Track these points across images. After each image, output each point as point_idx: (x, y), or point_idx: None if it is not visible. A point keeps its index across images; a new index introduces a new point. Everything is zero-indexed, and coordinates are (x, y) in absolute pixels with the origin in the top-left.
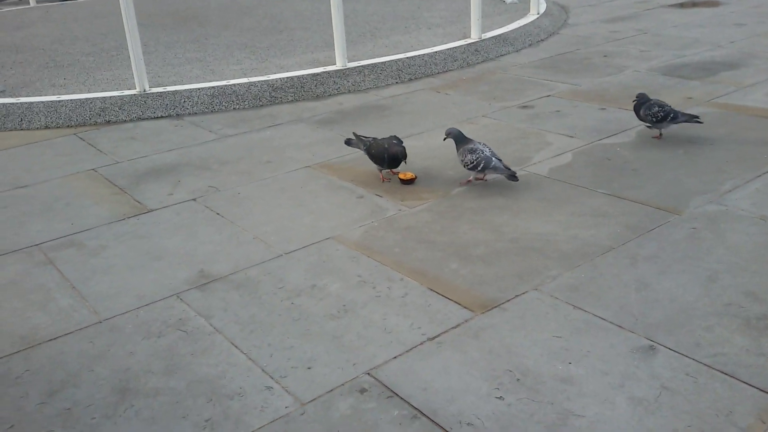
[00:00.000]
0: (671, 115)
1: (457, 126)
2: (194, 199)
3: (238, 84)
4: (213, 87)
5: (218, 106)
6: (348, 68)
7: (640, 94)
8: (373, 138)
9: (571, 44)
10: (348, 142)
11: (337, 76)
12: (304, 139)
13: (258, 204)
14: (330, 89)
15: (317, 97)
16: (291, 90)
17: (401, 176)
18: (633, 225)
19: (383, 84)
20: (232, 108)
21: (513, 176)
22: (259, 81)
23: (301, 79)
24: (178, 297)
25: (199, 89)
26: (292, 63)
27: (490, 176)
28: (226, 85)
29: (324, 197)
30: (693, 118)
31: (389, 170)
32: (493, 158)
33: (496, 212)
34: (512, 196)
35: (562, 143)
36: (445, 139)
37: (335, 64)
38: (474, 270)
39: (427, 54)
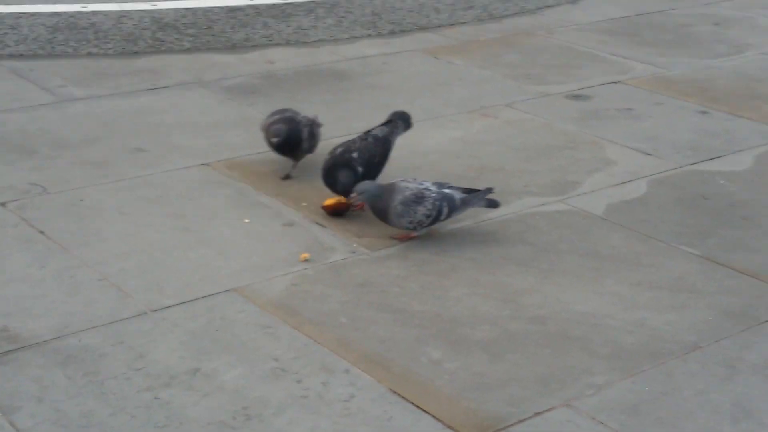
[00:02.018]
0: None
1: (467, 117)
2: (2, 204)
3: (99, 12)
4: (57, 13)
5: (62, 47)
6: (290, 3)
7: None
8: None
9: None
10: None
11: (268, 15)
12: (203, 117)
13: (113, 221)
14: (255, 35)
15: (233, 48)
16: (189, 31)
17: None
18: (737, 310)
19: (345, 35)
20: (85, 52)
21: (493, 202)
22: (136, 11)
23: (208, 13)
24: None
25: (32, 15)
26: None
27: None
28: (79, 12)
29: (227, 218)
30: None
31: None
32: (448, 190)
33: (514, 270)
34: (542, 246)
35: (633, 163)
36: (352, 208)
37: None
38: (470, 365)
39: None
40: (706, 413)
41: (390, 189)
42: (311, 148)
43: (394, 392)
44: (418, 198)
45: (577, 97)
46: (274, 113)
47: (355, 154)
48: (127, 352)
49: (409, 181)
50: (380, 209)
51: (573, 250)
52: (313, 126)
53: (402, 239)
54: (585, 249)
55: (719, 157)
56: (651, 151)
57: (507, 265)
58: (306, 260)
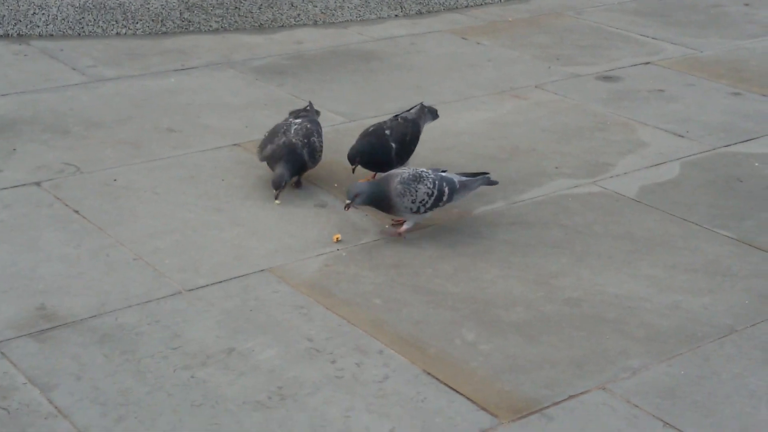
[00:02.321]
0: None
1: (497, 99)
2: (38, 183)
3: None
4: None
5: (91, 27)
6: None
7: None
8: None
9: None
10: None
11: None
12: (233, 97)
13: (147, 201)
14: (283, 16)
15: (260, 28)
16: (217, 11)
17: None
18: None
19: (373, 16)
20: (113, 32)
21: (491, 181)
22: None
23: None
24: None
25: None
26: None
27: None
28: None
29: (260, 200)
30: (484, 177)
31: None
32: (445, 173)
33: (548, 253)
34: (576, 228)
35: (665, 145)
36: (348, 207)
37: None
38: (504, 347)
39: None
40: (743, 397)
41: (386, 178)
42: (315, 162)
43: (428, 373)
44: (417, 178)
45: (607, 78)
46: (266, 140)
47: (387, 132)
48: (163, 331)
49: (405, 168)
50: (382, 198)
51: (606, 233)
52: (310, 138)
53: (393, 235)
54: (619, 231)
55: (753, 139)
56: (683, 133)
57: (540, 247)
58: (338, 241)
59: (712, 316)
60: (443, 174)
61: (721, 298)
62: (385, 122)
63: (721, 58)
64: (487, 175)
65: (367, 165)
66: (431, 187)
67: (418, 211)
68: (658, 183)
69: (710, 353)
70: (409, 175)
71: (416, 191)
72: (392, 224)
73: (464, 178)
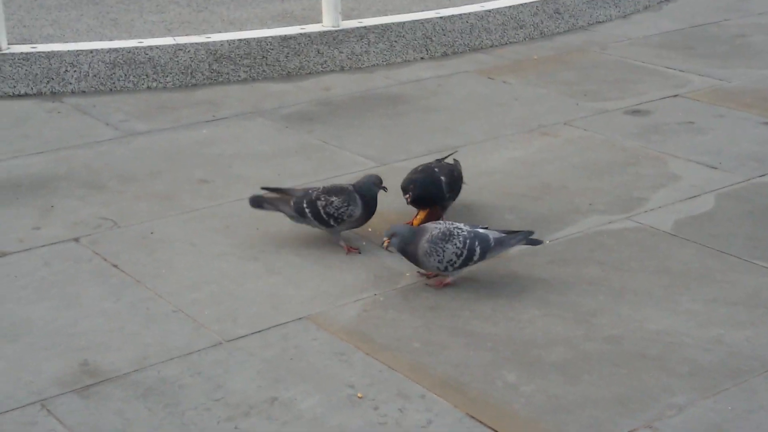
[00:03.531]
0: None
1: (527, 137)
2: (76, 239)
3: (157, 46)
4: (115, 50)
5: (122, 82)
6: (342, 30)
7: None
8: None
9: (715, 9)
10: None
11: (322, 43)
12: (263, 146)
13: (184, 253)
14: (311, 63)
15: (288, 76)
16: (245, 61)
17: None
18: None
19: (399, 59)
20: (144, 86)
21: (534, 240)
22: (192, 44)
23: (263, 43)
24: (43, 405)
25: (91, 52)
26: (248, 16)
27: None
28: (136, 48)
29: (295, 246)
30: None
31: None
32: (481, 230)
33: (586, 290)
34: (612, 264)
35: (698, 178)
36: (387, 246)
37: (321, 22)
38: (545, 387)
39: (475, 14)
40: None
41: (420, 231)
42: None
43: (471, 417)
44: (446, 236)
45: (636, 112)
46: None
47: (436, 169)
48: (205, 383)
49: (439, 223)
50: (410, 252)
51: (644, 268)
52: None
53: (437, 286)
54: (656, 266)
55: None
56: (716, 165)
57: (578, 284)
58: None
59: (755, 348)
60: (479, 230)
61: (764, 330)
62: (429, 163)
63: (749, 87)
64: (531, 233)
65: (420, 196)
66: (460, 246)
67: (446, 270)
68: (693, 216)
69: (757, 387)
70: (439, 232)
71: (443, 251)
72: (424, 275)
73: (501, 235)
